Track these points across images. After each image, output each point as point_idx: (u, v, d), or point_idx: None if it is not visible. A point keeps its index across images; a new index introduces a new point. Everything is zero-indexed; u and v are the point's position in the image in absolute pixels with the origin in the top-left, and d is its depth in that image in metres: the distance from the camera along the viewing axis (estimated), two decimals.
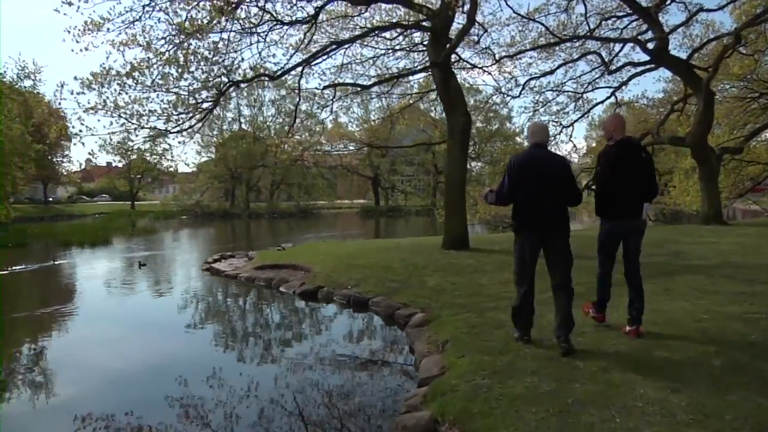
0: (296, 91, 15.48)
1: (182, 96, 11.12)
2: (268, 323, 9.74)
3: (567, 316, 5.15)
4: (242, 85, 12.68)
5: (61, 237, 26.78)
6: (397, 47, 17.26)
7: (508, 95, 22.60)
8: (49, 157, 66.13)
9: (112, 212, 62.62)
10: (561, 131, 23.54)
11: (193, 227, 45.48)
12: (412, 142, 44.54)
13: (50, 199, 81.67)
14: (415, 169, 70.82)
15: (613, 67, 20.39)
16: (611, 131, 5.59)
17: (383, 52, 17.16)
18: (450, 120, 14.16)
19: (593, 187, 5.68)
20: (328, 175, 69.95)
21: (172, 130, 11.72)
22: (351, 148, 62.15)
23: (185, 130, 11.77)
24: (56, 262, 17.03)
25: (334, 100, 15.89)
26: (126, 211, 65.46)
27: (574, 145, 26.51)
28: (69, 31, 10.85)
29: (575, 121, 23.48)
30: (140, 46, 10.70)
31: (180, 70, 10.68)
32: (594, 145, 38.05)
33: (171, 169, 74.47)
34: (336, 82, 13.95)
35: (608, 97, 22.49)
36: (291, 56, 13.59)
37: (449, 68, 14.04)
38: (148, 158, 71.27)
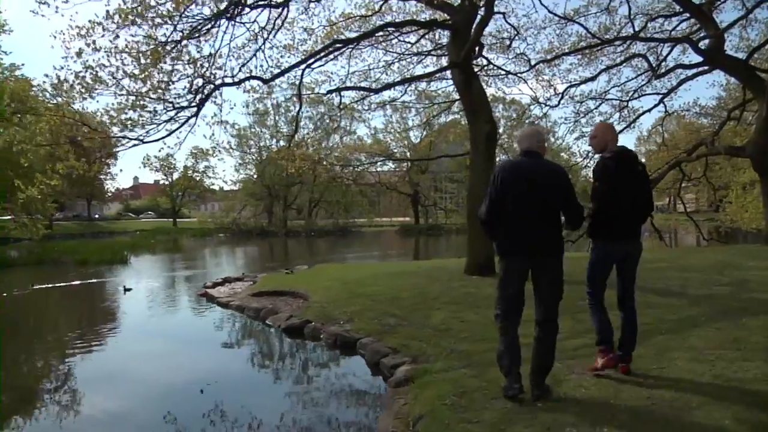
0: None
1: (149, 103, 9.82)
2: (222, 367, 8.02)
3: (547, 356, 4.40)
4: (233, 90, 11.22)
5: (83, 255, 25.82)
6: (423, 51, 15.70)
7: (546, 105, 20.77)
8: (91, 175, 67.04)
9: (151, 229, 62.70)
10: None
11: (227, 245, 44.82)
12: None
13: (96, 216, 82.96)
14: (457, 186, 68.75)
15: (662, 71, 18.27)
16: (606, 140, 4.94)
17: (407, 56, 15.66)
18: (473, 127, 12.49)
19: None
20: (369, 193, 68.75)
21: (146, 139, 10.34)
22: (390, 165, 60.68)
23: (162, 138, 10.37)
24: (34, 287, 15.71)
25: (365, 111, 14.43)
26: (166, 229, 65.53)
27: None
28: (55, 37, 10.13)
29: (620, 131, 21.19)
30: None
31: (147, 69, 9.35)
32: (643, 160, 35.77)
33: (213, 187, 75.01)
34: (341, 86, 12.41)
35: (656, 105, 20.26)
36: (302, 59, 12.10)
37: (471, 69, 12.38)
38: (190, 174, 72.02)
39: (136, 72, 9.52)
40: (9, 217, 32.03)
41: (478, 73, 17.78)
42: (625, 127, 21.19)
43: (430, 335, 7.27)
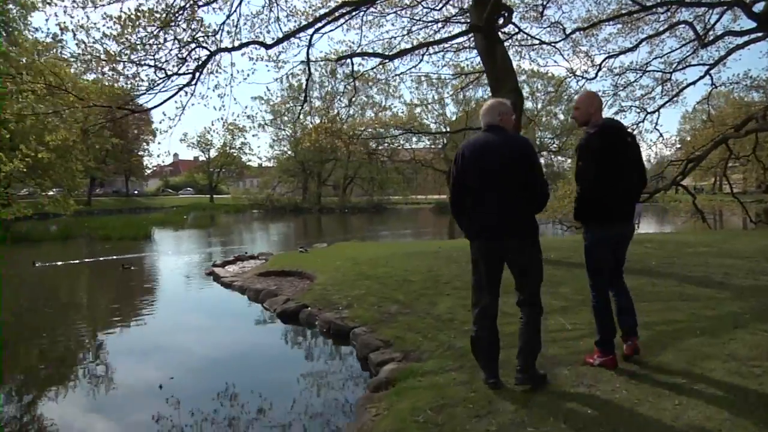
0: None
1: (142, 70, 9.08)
2: (193, 357, 7.29)
3: (532, 340, 4.07)
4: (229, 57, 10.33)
5: (106, 231, 25.69)
6: (449, 18, 14.59)
7: (583, 77, 19.47)
8: (130, 151, 67.68)
9: (187, 205, 63.07)
10: (645, 118, 20.03)
11: (259, 222, 44.65)
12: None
13: (135, 192, 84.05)
14: None
15: (709, 39, 16.78)
16: (590, 113, 4.44)
17: (430, 23, 14.59)
18: (497, 96, 11.40)
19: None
20: (405, 170, 67.80)
21: (137, 109, 9.64)
22: (425, 141, 59.61)
23: (151, 108, 9.65)
24: (36, 265, 15.27)
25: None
26: (202, 205, 65.87)
27: (661, 135, 22.18)
28: None
29: (662, 105, 19.80)
30: None
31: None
32: (689, 138, 33.57)
33: (250, 163, 75.14)
34: (351, 53, 11.42)
35: (701, 77, 18.70)
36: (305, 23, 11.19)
37: (494, 34, 11.30)
38: (227, 151, 72.32)
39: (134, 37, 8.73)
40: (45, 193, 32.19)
41: (508, 41, 16.79)
42: (667, 102, 19.83)
43: (431, 326, 6.44)
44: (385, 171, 64.26)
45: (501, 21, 13.42)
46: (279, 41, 10.20)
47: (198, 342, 7.88)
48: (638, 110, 20.30)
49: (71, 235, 26.11)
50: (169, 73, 9.33)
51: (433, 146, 59.91)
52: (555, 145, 54.82)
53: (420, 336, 6.13)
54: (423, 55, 13.88)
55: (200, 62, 9.63)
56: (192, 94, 9.94)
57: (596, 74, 19.00)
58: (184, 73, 9.47)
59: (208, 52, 9.60)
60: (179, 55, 9.28)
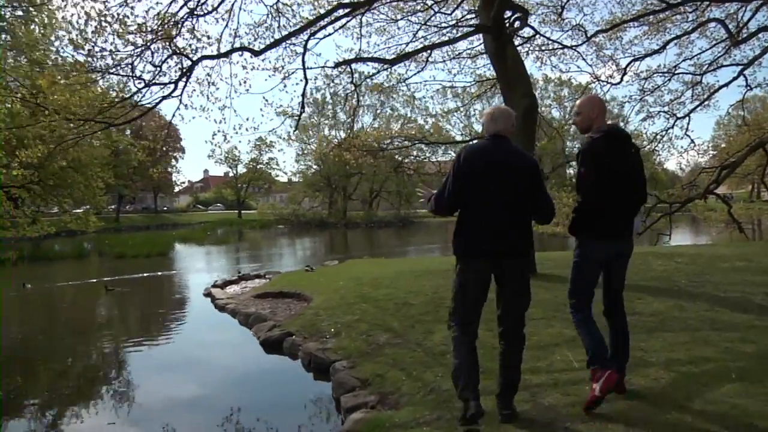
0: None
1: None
2: (153, 390, 6.58)
3: (515, 373, 3.80)
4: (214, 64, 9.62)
5: (123, 249, 25.39)
6: (458, 22, 13.74)
7: (607, 83, 18.48)
8: (155, 168, 68.12)
9: (214, 221, 63.21)
10: (674, 124, 18.91)
11: (284, 237, 44.24)
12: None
13: (165, 208, 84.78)
14: None
15: (742, 37, 15.65)
16: (591, 118, 4.04)
17: (443, 27, 13.77)
18: (509, 103, 10.58)
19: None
20: (432, 182, 67.01)
21: (115, 123, 9.02)
22: (452, 154, 58.65)
23: (130, 121, 8.98)
24: (27, 287, 14.47)
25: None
26: (229, 220, 65.95)
27: (692, 141, 20.97)
28: None
29: (693, 110, 18.68)
30: None
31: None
32: (723, 145, 31.96)
33: (278, 178, 75.08)
34: (350, 58, 10.65)
35: (734, 78, 17.49)
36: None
37: (504, 33, 10.47)
38: (253, 166, 72.52)
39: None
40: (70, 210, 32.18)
41: (527, 47, 15.91)
42: (697, 106, 18.70)
43: (419, 361, 5.60)
44: (411, 184, 63.47)
45: (517, 24, 12.63)
46: (268, 47, 9.49)
47: (158, 379, 7.12)
48: (667, 116, 19.27)
49: (83, 254, 25.79)
50: (149, 82, 8.66)
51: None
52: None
53: (404, 374, 5.29)
54: (427, 60, 13.00)
55: (183, 70, 8.95)
56: (182, 105, 9.25)
57: (621, 79, 18.09)
58: (163, 83, 8.79)
59: (189, 61, 8.90)
60: (152, 63, 8.62)
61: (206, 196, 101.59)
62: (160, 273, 17.92)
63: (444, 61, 15.98)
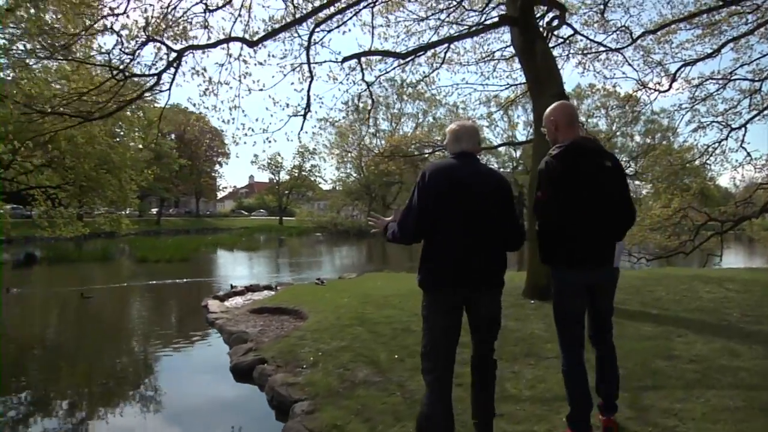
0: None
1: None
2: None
3: (491, 404, 3.53)
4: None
5: (146, 252, 24.88)
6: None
7: (655, 90, 17.03)
8: (200, 172, 68.61)
9: (254, 227, 63.20)
10: (728, 135, 17.31)
11: (320, 245, 43.53)
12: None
13: (208, 212, 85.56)
14: None
15: None
16: (553, 130, 3.64)
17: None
18: (537, 103, 9.46)
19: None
20: None
21: (91, 117, 8.18)
22: (494, 164, 57.33)
23: (105, 116, 8.12)
24: (10, 292, 13.64)
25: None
26: (269, 226, 65.90)
27: (748, 154, 18.99)
28: None
29: (749, 120, 17.06)
30: None
31: None
32: None
33: (321, 185, 74.82)
34: (360, 52, 9.58)
35: None
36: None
37: (532, 27, 9.32)
38: (296, 173, 72.54)
39: None
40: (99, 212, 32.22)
41: (567, 49, 14.71)
42: (755, 115, 17.07)
43: (391, 410, 4.51)
44: None
45: (555, 22, 11.47)
46: (265, 37, 8.55)
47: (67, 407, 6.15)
48: (721, 126, 17.69)
49: (111, 256, 25.43)
50: (127, 74, 7.80)
51: (501, 169, 57.58)
52: (632, 169, 51.21)
53: (367, 427, 4.22)
54: (444, 56, 11.77)
55: (169, 61, 8.07)
56: (167, 99, 8.38)
57: (670, 86, 16.63)
58: (143, 75, 7.93)
59: (166, 48, 8.02)
60: (124, 50, 7.75)
61: (250, 201, 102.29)
62: (169, 281, 17.05)
63: (477, 63, 14.93)
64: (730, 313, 7.47)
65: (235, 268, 24.28)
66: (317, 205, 75.95)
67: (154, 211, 67.43)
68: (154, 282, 16.64)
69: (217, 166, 76.30)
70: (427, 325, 3.40)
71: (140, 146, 29.34)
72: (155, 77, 8.07)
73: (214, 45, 8.37)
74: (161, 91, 8.33)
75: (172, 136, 60.71)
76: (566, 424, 3.57)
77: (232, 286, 13.87)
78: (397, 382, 5.18)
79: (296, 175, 73.35)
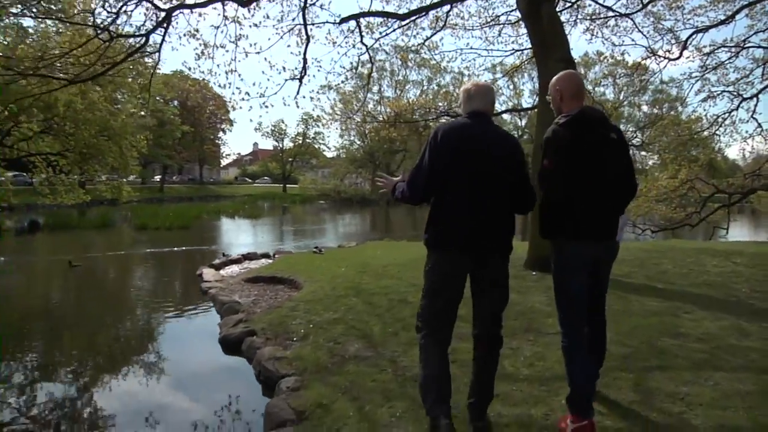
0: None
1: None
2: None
3: (492, 380, 3.37)
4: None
5: (146, 220, 24.69)
6: None
7: (665, 58, 16.52)
8: (203, 140, 68.17)
9: (258, 195, 63.05)
10: (739, 105, 16.83)
11: (323, 213, 43.31)
12: None
13: (211, 179, 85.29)
14: None
15: None
16: (558, 100, 3.49)
17: None
18: (542, 68, 9.10)
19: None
20: None
21: (76, 79, 7.81)
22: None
23: (96, 75, 7.75)
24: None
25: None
26: (273, 194, 65.80)
27: (759, 125, 18.34)
28: None
29: (762, 90, 16.53)
30: None
31: None
32: None
33: (325, 153, 74.28)
34: (357, 13, 9.14)
35: None
36: None
37: None
38: (300, 141, 72.12)
39: None
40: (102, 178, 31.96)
41: (575, 14, 14.23)
42: (767, 86, 16.57)
43: (380, 389, 4.27)
44: None
45: None
46: None
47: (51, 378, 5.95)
48: (732, 96, 17.20)
49: (110, 223, 25.26)
50: (113, 34, 7.43)
51: None
52: (638, 139, 50.54)
53: (354, 407, 3.98)
54: (446, 18, 11.28)
55: (157, 22, 7.69)
56: (157, 62, 8.02)
57: (681, 54, 16.14)
58: (129, 36, 7.55)
59: (159, 11, 7.63)
60: (108, 9, 7.38)
61: (254, 169, 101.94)
62: (166, 249, 16.80)
63: (482, 27, 14.47)
64: (738, 288, 7.21)
65: (237, 236, 24.11)
66: (321, 172, 75.45)
67: (158, 178, 67.12)
68: (151, 250, 16.41)
69: (220, 134, 75.94)
70: (428, 286, 3.32)
71: (133, 110, 28.95)
72: (143, 38, 7.70)
73: (205, 4, 7.98)
74: (151, 53, 7.93)
75: (175, 102, 60.29)
76: (566, 406, 3.37)
77: (223, 255, 13.63)
78: (389, 358, 4.95)
79: (300, 142, 73.07)
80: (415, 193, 3.31)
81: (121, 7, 7.36)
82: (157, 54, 8.03)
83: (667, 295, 6.77)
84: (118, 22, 7.42)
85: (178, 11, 7.83)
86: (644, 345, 4.79)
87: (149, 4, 7.59)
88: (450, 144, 3.21)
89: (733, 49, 16.47)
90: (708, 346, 4.69)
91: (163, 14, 7.67)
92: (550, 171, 3.37)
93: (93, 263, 13.75)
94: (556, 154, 3.35)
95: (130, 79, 26.48)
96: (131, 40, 8.33)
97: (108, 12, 7.46)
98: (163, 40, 7.90)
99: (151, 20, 7.87)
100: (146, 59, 8.41)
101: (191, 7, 7.95)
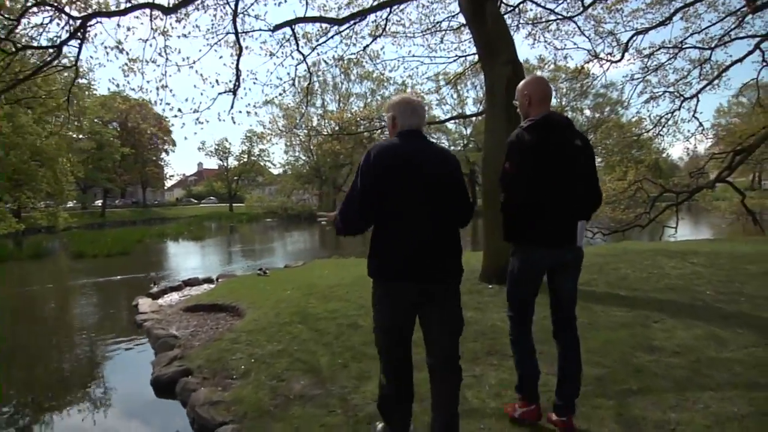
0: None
1: None
2: None
3: (453, 411, 3.11)
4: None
5: (82, 247, 23.40)
6: None
7: (607, 60, 16.66)
8: (145, 161, 66.25)
9: (204, 215, 61.61)
10: (680, 106, 17.10)
11: (270, 230, 42.45)
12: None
13: (156, 201, 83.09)
14: None
15: (760, 2, 13.70)
16: (526, 105, 3.46)
17: None
18: (488, 71, 8.76)
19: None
20: None
21: None
22: (445, 142, 56.88)
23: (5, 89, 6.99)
24: None
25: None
26: (219, 214, 64.38)
27: (701, 124, 18.61)
28: None
29: (701, 90, 16.88)
30: None
31: None
32: (731, 125, 29.62)
33: (271, 170, 73.18)
34: (292, 19, 8.60)
35: (750, 53, 15.68)
36: None
37: None
38: (246, 159, 71.01)
39: None
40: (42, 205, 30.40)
41: (515, 20, 14.06)
42: (706, 85, 16.92)
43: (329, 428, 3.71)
44: None
45: None
46: (181, 4, 7.50)
47: None
48: (673, 97, 17.47)
49: (44, 252, 23.91)
50: (18, 46, 6.69)
51: (452, 147, 57.21)
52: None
53: None
54: (385, 24, 10.82)
55: (70, 32, 6.97)
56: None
57: (622, 56, 16.37)
58: (36, 48, 6.82)
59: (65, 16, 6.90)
60: (5, 15, 6.63)
61: (199, 189, 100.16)
62: (101, 279, 15.72)
63: (423, 34, 14.16)
64: (702, 291, 6.93)
65: (181, 260, 23.11)
66: (268, 189, 74.34)
67: (99, 203, 64.85)
68: (86, 280, 15.34)
69: (163, 155, 74.14)
70: (378, 318, 3.16)
71: (68, 132, 27.76)
72: (56, 49, 6.96)
73: (124, 12, 7.30)
74: (67, 68, 7.17)
75: (115, 124, 58.49)
76: (516, 395, 3.59)
77: (154, 284, 12.71)
78: (338, 395, 4.39)
79: (245, 160, 71.95)
80: (351, 220, 3.10)
81: (23, 13, 6.61)
82: (74, 68, 7.26)
83: (632, 303, 6.43)
84: (20, 31, 6.69)
85: (94, 20, 7.12)
86: (618, 363, 4.37)
87: (57, 11, 6.84)
88: (384, 162, 3.01)
89: (671, 51, 16.72)
90: (687, 361, 4.30)
91: (76, 23, 6.96)
92: (513, 174, 3.33)
93: (18, 299, 12.74)
94: (519, 157, 3.31)
95: (63, 100, 25.31)
96: (44, 51, 7.57)
97: (7, 19, 6.70)
98: (79, 51, 7.20)
99: (69, 30, 7.16)
100: (64, 73, 7.60)
101: (108, 14, 7.23)
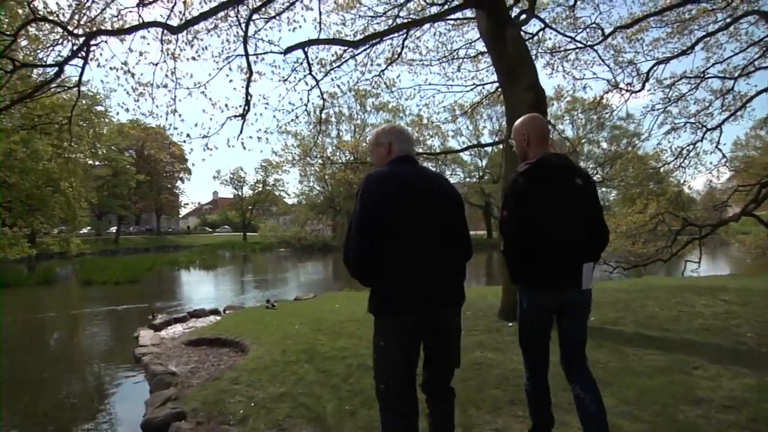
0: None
1: None
2: None
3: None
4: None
5: (94, 274, 23.29)
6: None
7: (627, 90, 16.25)
8: (160, 189, 66.53)
9: (217, 244, 61.51)
10: (703, 137, 16.65)
11: (283, 260, 42.09)
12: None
13: (170, 229, 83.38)
14: None
15: None
16: (524, 145, 3.38)
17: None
18: (509, 97, 8.39)
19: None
20: None
21: None
22: (460, 175, 56.72)
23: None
24: None
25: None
26: (233, 243, 64.27)
27: (724, 155, 18.01)
28: None
29: (724, 121, 16.39)
30: None
31: None
32: (742, 166, 29.02)
33: (286, 200, 73.24)
34: (305, 41, 8.27)
35: None
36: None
37: (502, 11, 8.22)
38: (261, 188, 71.17)
39: None
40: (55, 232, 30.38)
41: (535, 49, 13.77)
42: (729, 116, 16.42)
43: None
44: None
45: (523, 17, 10.41)
46: (190, 22, 7.22)
47: None
48: (695, 128, 17.01)
49: (53, 279, 23.72)
50: (21, 63, 6.42)
51: (467, 179, 56.92)
52: (599, 176, 50.88)
53: None
54: (402, 49, 10.48)
55: (73, 51, 6.69)
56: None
57: (643, 86, 15.87)
58: (36, 65, 6.55)
59: (73, 37, 6.63)
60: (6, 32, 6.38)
61: (214, 218, 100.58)
62: (107, 308, 15.30)
63: (440, 62, 13.88)
64: (741, 333, 6.40)
65: (191, 289, 22.73)
66: (281, 219, 74.27)
67: (113, 229, 65.02)
68: (91, 309, 14.96)
69: (178, 183, 74.55)
70: (384, 356, 2.93)
71: (82, 158, 27.81)
72: (56, 68, 6.67)
73: (129, 31, 7.01)
74: (69, 88, 6.89)
75: (131, 151, 58.97)
76: None
77: (152, 315, 12.24)
78: None
79: (260, 189, 72.11)
80: (354, 255, 2.85)
81: (20, 28, 6.34)
82: (76, 89, 6.99)
83: (665, 346, 5.90)
84: (25, 49, 6.42)
85: (99, 39, 6.84)
86: (662, 418, 3.87)
87: (61, 29, 6.56)
88: (381, 193, 2.88)
89: (693, 81, 16.31)
90: (743, 417, 3.79)
91: (80, 41, 6.68)
92: (509, 221, 3.28)
93: (22, 326, 12.37)
94: (514, 203, 3.26)
95: (79, 126, 25.22)
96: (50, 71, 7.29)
97: (5, 35, 6.42)
98: (82, 72, 6.90)
99: (70, 48, 6.89)
100: (64, 94, 7.34)
101: (113, 33, 6.95)
